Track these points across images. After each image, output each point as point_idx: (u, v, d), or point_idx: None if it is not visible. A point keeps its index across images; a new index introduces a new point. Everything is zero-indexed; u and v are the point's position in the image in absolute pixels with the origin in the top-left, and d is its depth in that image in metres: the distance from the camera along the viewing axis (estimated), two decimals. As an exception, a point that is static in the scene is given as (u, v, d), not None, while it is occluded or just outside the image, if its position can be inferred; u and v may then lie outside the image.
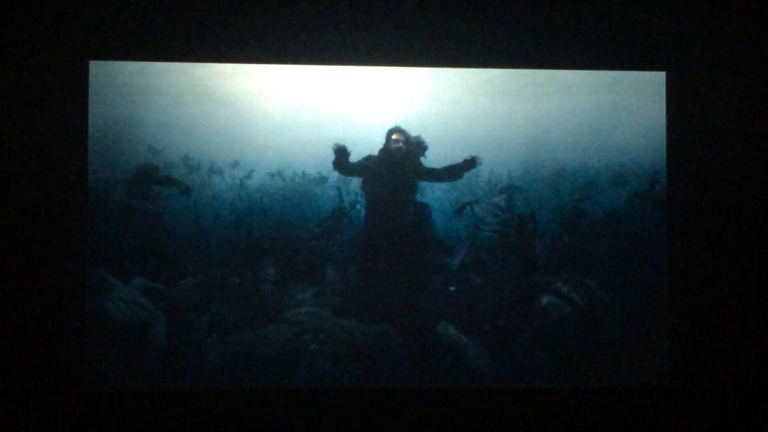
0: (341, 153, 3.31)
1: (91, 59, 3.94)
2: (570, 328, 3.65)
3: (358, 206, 3.92)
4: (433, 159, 4.00)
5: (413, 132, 3.96)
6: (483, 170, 4.04)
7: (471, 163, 3.14)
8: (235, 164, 4.03)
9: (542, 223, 3.96)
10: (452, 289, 3.60)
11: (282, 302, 3.77)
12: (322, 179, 4.06)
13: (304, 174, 4.05)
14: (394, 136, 3.22)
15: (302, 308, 3.48)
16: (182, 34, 3.95)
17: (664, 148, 4.06)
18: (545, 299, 3.60)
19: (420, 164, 3.38)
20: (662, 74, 4.08)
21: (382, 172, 3.31)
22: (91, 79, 3.94)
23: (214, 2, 3.95)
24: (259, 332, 3.74)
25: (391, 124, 4.01)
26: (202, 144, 4.01)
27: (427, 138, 3.98)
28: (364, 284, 3.56)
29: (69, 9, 3.87)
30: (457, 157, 3.94)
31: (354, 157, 3.63)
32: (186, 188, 3.98)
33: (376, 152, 3.97)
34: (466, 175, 3.88)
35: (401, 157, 3.25)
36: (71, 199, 3.87)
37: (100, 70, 3.96)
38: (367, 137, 4.03)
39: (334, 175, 4.04)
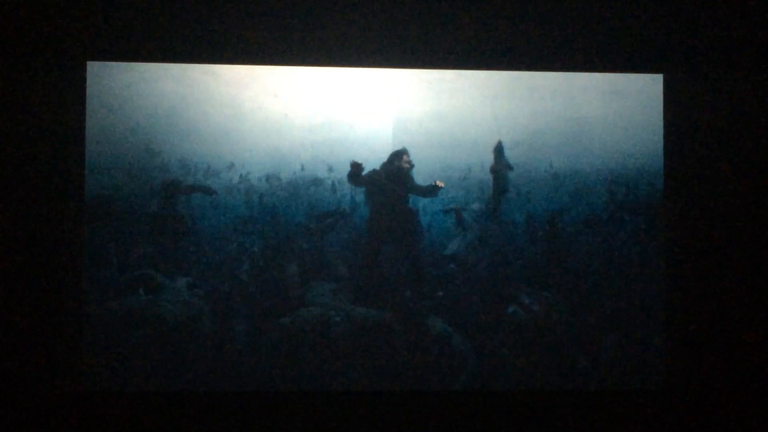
0: (357, 168, 3.89)
1: (89, 60, 3.97)
2: (529, 334, 3.99)
3: (349, 208, 4.09)
4: (429, 159, 4.06)
5: (408, 136, 4.05)
6: (475, 172, 4.07)
7: (434, 188, 3.86)
8: (231, 166, 4.06)
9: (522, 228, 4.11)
10: (440, 294, 4.00)
11: (306, 294, 4.02)
12: (317, 180, 4.10)
13: (299, 175, 4.09)
14: (405, 157, 3.88)
15: (325, 298, 3.98)
16: (179, 36, 3.96)
17: (655, 152, 4.06)
18: (510, 308, 4.00)
19: (412, 178, 3.95)
20: (659, 77, 4.06)
21: (385, 184, 3.89)
22: (89, 79, 3.97)
23: (211, 5, 3.95)
24: (295, 314, 3.96)
25: (386, 126, 4.04)
26: (198, 146, 4.04)
27: (422, 139, 4.07)
28: (368, 279, 4.02)
29: (67, 10, 3.89)
30: (452, 157, 4.08)
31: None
32: (208, 189, 4.04)
33: (373, 153, 4.05)
34: (460, 177, 4.11)
35: (401, 174, 3.85)
36: (68, 197, 3.90)
37: (98, 71, 3.98)
38: (363, 139, 4.06)
39: (329, 177, 4.09)
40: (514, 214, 4.11)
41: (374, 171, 4.03)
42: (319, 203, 4.10)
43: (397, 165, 3.95)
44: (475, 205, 4.05)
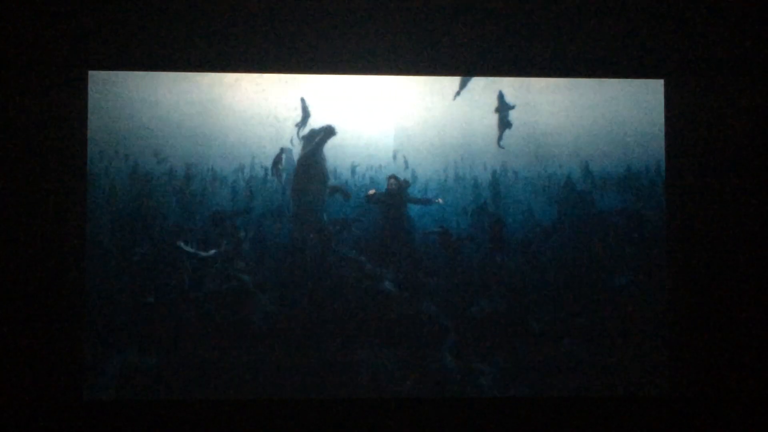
0: (374, 195, 4.32)
1: (90, 69, 3.98)
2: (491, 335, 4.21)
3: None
4: (428, 165, 4.20)
5: (409, 142, 4.19)
6: (466, 177, 4.20)
7: (429, 201, 4.34)
8: (237, 170, 4.14)
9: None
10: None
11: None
12: (321, 185, 4.22)
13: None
14: (391, 180, 4.30)
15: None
16: (181, 44, 3.95)
17: (657, 157, 4.10)
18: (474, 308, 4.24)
19: (408, 193, 4.32)
20: (660, 82, 4.05)
21: (386, 197, 4.33)
22: (90, 88, 3.99)
23: (213, 13, 3.91)
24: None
25: (390, 132, 4.16)
26: (202, 151, 4.10)
27: (420, 144, 4.19)
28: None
29: (68, 19, 3.86)
30: (446, 160, 4.24)
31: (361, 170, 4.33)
32: (244, 210, 4.16)
33: (375, 159, 4.20)
34: (455, 177, 4.29)
35: (397, 191, 4.29)
36: (70, 207, 3.93)
37: (99, 80, 4.00)
38: (365, 144, 4.14)
39: (333, 181, 4.21)
40: (512, 217, 4.23)
41: (380, 190, 4.33)
42: (326, 207, 4.22)
43: (388, 186, 4.33)
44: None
